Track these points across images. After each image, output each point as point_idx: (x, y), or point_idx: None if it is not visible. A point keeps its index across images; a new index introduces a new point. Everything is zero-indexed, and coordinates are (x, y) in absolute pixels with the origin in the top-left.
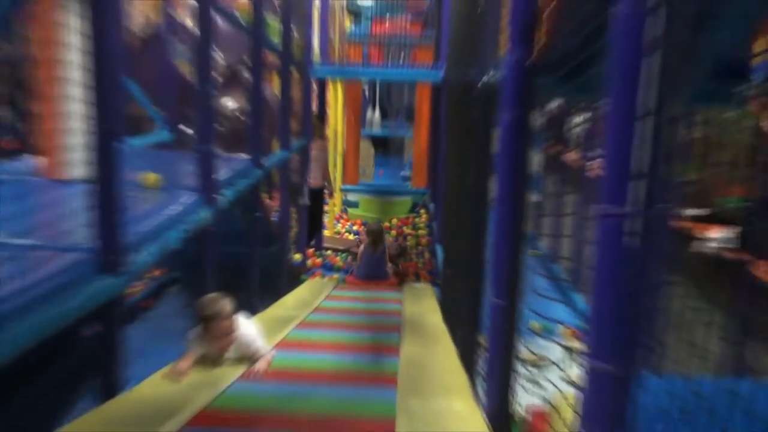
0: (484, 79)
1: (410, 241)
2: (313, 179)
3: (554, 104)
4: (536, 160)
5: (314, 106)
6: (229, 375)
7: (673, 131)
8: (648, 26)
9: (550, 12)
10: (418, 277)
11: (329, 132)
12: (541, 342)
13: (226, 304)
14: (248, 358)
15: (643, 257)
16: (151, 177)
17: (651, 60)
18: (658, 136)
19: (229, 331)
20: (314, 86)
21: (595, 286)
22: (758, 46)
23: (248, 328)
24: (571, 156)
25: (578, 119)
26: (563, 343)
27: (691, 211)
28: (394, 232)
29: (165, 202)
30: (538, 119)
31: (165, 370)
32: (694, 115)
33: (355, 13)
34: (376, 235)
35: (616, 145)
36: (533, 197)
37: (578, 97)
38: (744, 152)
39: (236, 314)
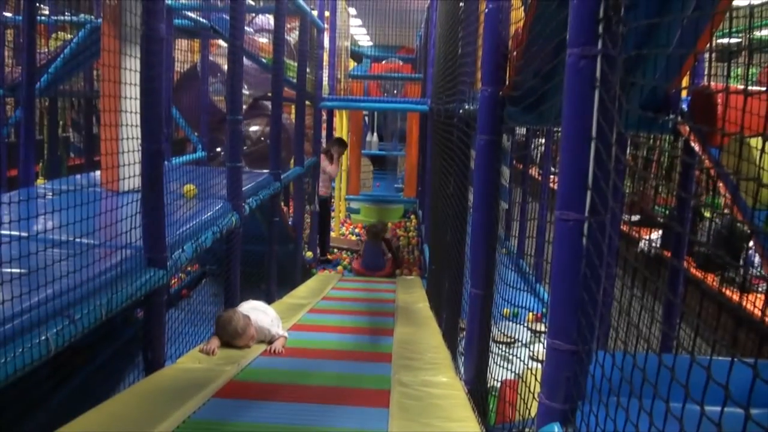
0: (463, 109)
1: (402, 242)
2: (324, 190)
3: (522, 130)
4: (506, 174)
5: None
6: (252, 352)
7: (617, 152)
8: (590, 69)
9: (515, 55)
10: (409, 271)
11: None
12: (511, 325)
13: (240, 319)
14: (268, 341)
15: (594, 254)
16: (188, 188)
17: (593, 95)
18: (602, 156)
19: (251, 339)
20: (324, 115)
21: (554, 278)
22: (684, 83)
23: (266, 315)
24: (534, 171)
25: (540, 141)
26: (529, 326)
27: (633, 217)
28: (389, 234)
29: (200, 209)
30: (507, 141)
31: (198, 348)
32: (636, 138)
33: (358, 55)
34: (375, 231)
35: (572, 162)
36: (503, 205)
37: (539, 124)
38: (673, 169)
39: (251, 317)
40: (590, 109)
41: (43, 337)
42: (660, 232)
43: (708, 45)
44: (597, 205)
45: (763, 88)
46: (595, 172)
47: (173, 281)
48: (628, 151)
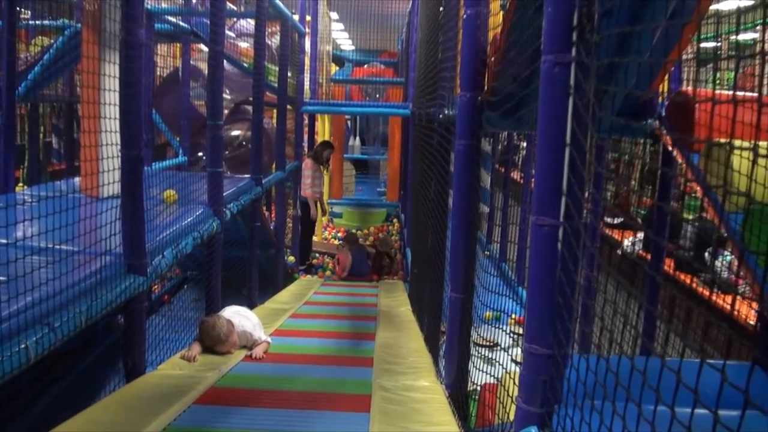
0: (443, 113)
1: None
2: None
3: (504, 134)
4: (486, 178)
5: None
6: (233, 358)
7: (591, 157)
8: (564, 76)
9: (492, 62)
10: (391, 275)
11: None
12: (493, 329)
13: (224, 325)
14: (249, 346)
15: (570, 259)
16: (169, 193)
17: (568, 102)
18: (575, 161)
19: (234, 345)
20: (305, 119)
21: (531, 283)
22: (661, 88)
23: (249, 320)
24: (515, 175)
25: (521, 145)
26: (511, 329)
27: (613, 220)
28: (371, 238)
29: (181, 215)
30: (488, 145)
31: (178, 355)
32: (612, 143)
33: (339, 59)
34: (355, 237)
35: (547, 168)
36: (485, 209)
37: (517, 129)
38: (650, 172)
39: (234, 321)
40: (564, 115)
41: (23, 346)
42: (641, 234)
43: (683, 52)
44: (572, 211)
45: (738, 93)
46: (570, 178)
47: (154, 287)
48: (608, 155)
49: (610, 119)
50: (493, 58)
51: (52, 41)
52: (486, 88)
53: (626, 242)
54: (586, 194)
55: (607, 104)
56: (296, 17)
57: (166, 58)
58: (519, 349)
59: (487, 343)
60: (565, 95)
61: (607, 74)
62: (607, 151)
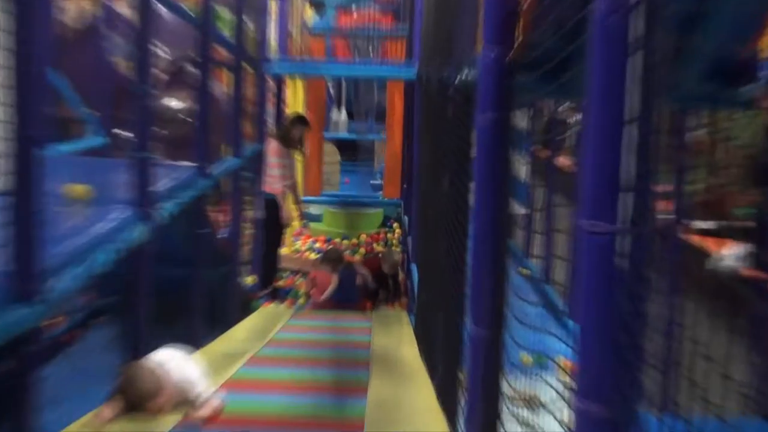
0: (460, 76)
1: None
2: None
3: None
4: (523, 167)
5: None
6: (165, 422)
7: (664, 137)
8: (623, 26)
9: (528, 6)
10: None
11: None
12: (533, 379)
13: (149, 375)
14: (189, 403)
15: (637, 280)
16: (78, 189)
17: (632, 61)
18: (645, 142)
19: (166, 402)
20: (271, 84)
21: (583, 313)
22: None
23: (188, 368)
24: (565, 161)
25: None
26: (558, 379)
27: (700, 225)
28: (363, 250)
29: (94, 218)
30: (524, 120)
31: (87, 417)
32: (697, 118)
33: (318, 2)
34: (339, 255)
35: (601, 153)
36: (521, 210)
37: (562, 97)
38: (755, 156)
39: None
40: (622, 81)
41: None
42: (745, 244)
43: None
44: (637, 212)
45: None
46: (634, 167)
47: (54, 321)
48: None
49: (691, 85)
50: (527, 2)
51: None
52: (518, 42)
53: (722, 255)
54: (660, 189)
55: (686, 65)
56: None
57: (77, 3)
58: (568, 408)
59: (525, 399)
60: (624, 53)
61: (686, 24)
62: (690, 128)
